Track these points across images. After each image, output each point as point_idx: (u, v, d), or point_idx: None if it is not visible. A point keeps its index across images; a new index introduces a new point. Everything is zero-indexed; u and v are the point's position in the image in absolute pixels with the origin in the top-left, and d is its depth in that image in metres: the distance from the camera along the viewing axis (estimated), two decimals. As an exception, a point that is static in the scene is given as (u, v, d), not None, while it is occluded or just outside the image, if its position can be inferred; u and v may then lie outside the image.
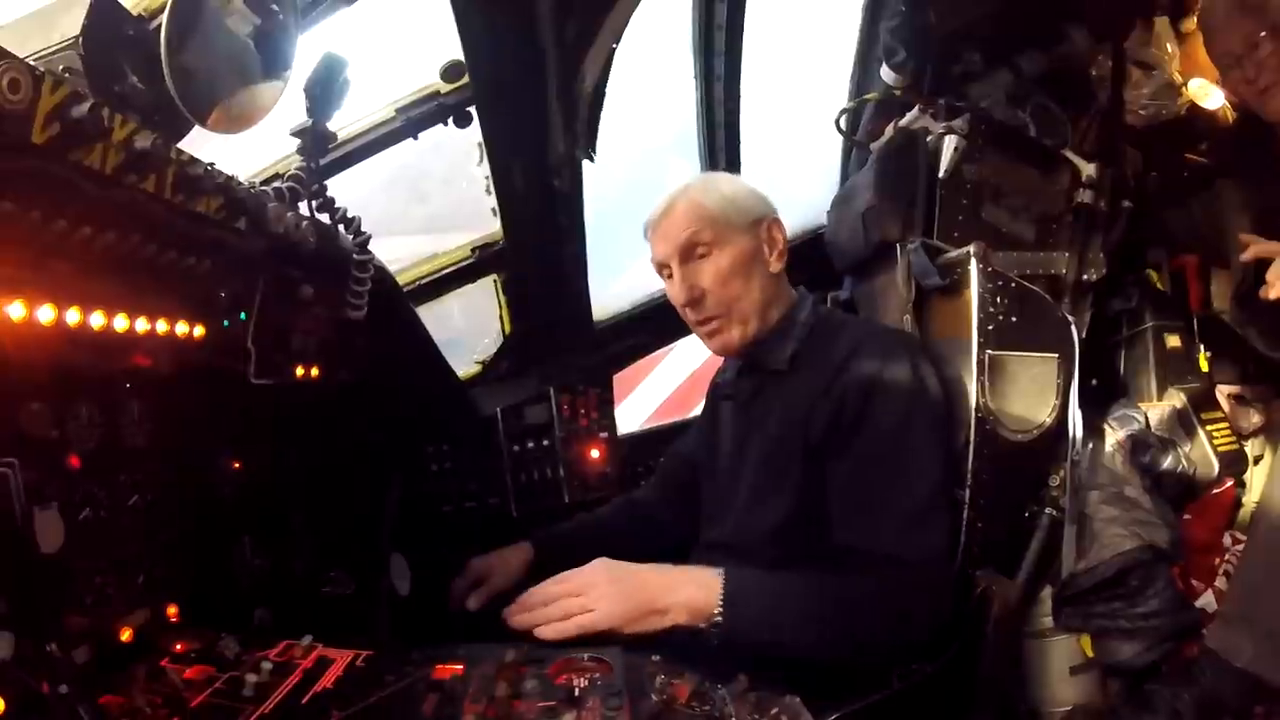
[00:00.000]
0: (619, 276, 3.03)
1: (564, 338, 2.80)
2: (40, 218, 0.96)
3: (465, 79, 2.25)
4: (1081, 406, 2.03)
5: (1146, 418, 2.43)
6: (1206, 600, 2.30)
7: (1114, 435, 2.27)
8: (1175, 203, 2.68)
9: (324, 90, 1.55)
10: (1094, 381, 2.49)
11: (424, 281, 2.69)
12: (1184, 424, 2.52)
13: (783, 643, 1.47)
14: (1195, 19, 2.53)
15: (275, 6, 1.37)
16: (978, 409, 1.89)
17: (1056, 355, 2.02)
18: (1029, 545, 2.05)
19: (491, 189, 2.45)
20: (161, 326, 1.27)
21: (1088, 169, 2.33)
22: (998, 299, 1.96)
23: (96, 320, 1.13)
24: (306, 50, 1.49)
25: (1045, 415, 2.00)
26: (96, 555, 1.24)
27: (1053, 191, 2.34)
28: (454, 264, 2.70)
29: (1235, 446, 2.56)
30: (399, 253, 2.70)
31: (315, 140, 1.59)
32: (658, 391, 5.32)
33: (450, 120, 2.34)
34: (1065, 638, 2.08)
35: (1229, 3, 2.18)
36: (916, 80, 2.44)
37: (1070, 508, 2.03)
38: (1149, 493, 2.15)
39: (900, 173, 2.23)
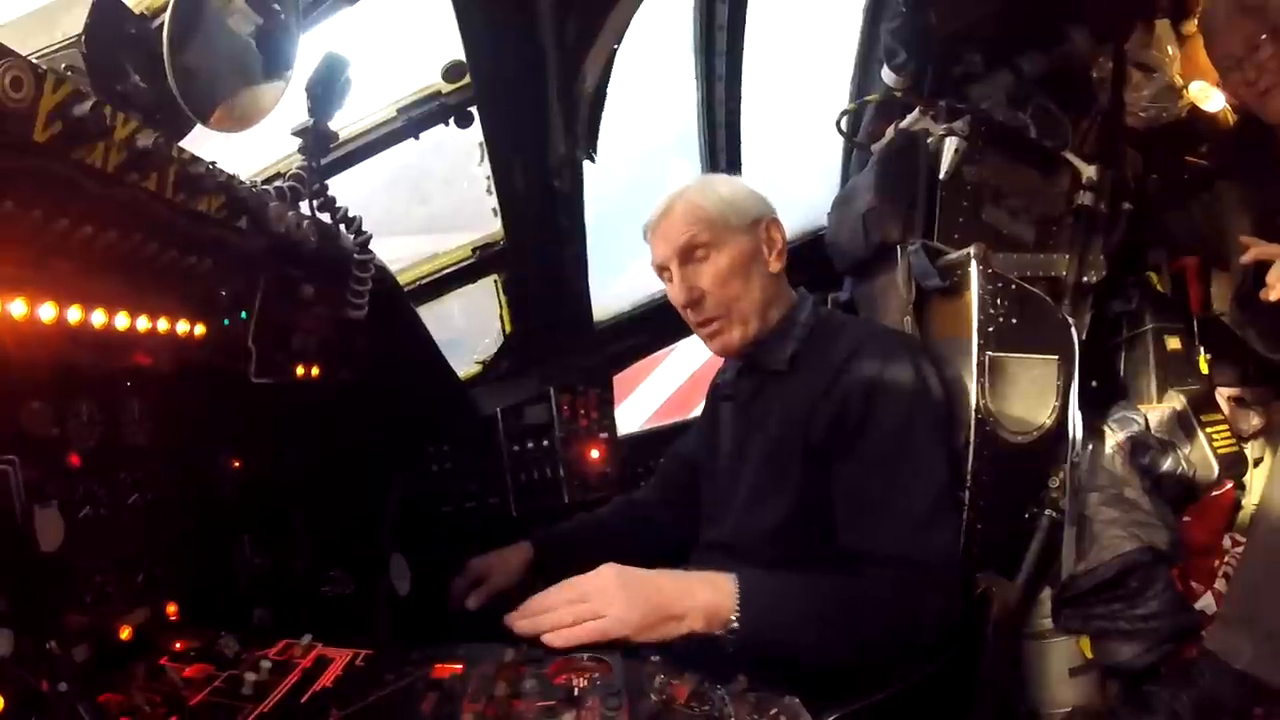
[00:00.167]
0: (619, 277, 3.03)
1: (564, 338, 2.81)
2: (42, 216, 0.96)
3: (466, 79, 2.26)
4: (1081, 408, 2.04)
5: (1146, 420, 2.43)
6: (1206, 602, 2.30)
7: (1114, 437, 2.27)
8: (1175, 205, 2.68)
9: (325, 90, 1.55)
10: (1094, 383, 2.49)
11: (425, 281, 2.69)
12: (1184, 426, 2.52)
13: (799, 645, 1.46)
14: (1196, 21, 2.53)
15: (277, 6, 1.37)
16: (978, 410, 1.89)
17: (1056, 357, 2.02)
18: (1029, 547, 2.05)
19: (492, 189, 2.45)
20: (162, 325, 1.27)
21: (1088, 171, 2.33)
22: (998, 300, 1.96)
23: (97, 319, 1.13)
24: (308, 50, 1.49)
25: (1045, 417, 2.00)
26: (96, 553, 1.23)
27: (1053, 193, 2.34)
28: (455, 264, 2.70)
29: (1235, 448, 2.57)
30: (400, 252, 2.70)
31: (316, 140, 1.59)
32: (658, 392, 5.32)
33: (451, 120, 2.34)
34: (1065, 639, 2.09)
35: (1229, 5, 2.18)
36: (917, 82, 2.45)
37: (1070, 509, 2.03)
38: (1149, 494, 2.15)
39: (901, 174, 2.23)
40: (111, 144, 0.98)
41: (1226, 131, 2.76)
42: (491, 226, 2.63)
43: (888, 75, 2.48)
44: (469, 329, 2.91)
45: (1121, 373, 2.70)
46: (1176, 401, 2.57)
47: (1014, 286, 2.00)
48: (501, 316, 2.81)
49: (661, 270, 1.85)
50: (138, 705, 1.11)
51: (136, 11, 1.34)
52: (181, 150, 1.12)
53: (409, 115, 2.32)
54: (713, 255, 1.78)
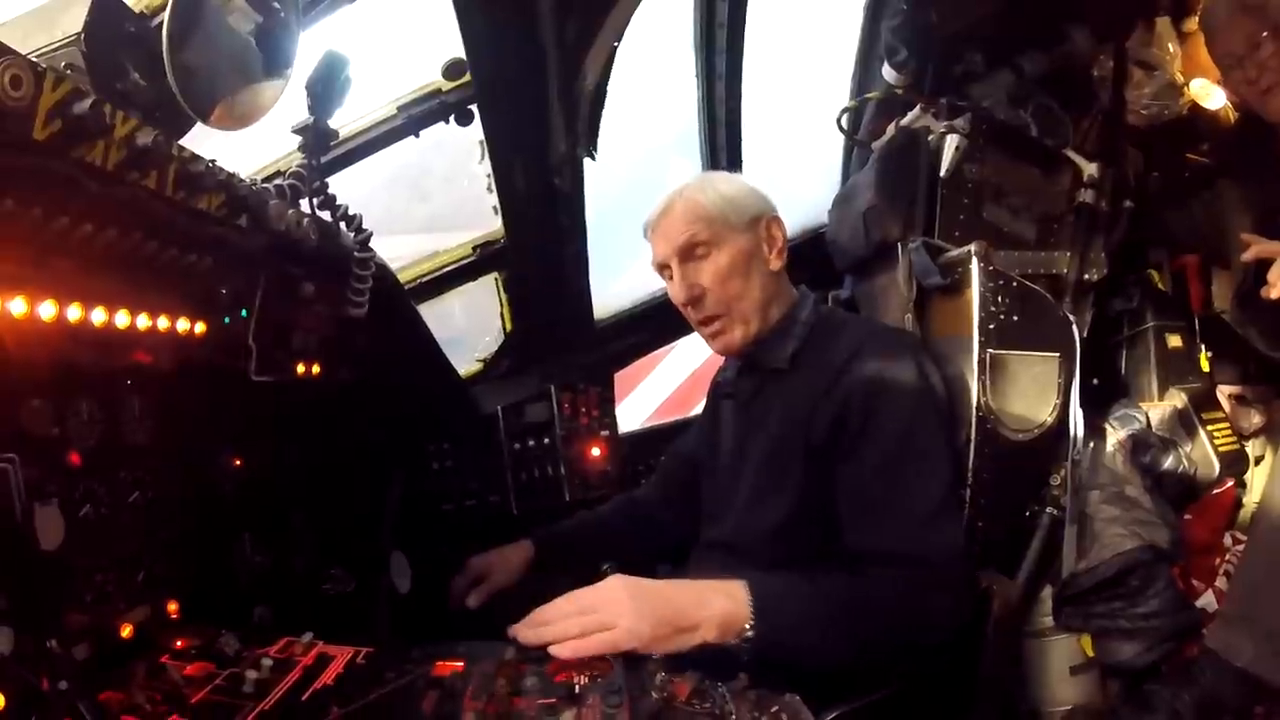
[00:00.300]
0: (620, 275, 3.03)
1: (565, 336, 2.81)
2: (42, 214, 0.96)
3: (467, 77, 2.26)
4: (1082, 406, 2.04)
5: (1147, 417, 2.42)
6: (1207, 600, 2.30)
7: (1115, 435, 2.27)
8: (1176, 203, 2.68)
9: (325, 88, 1.55)
10: (1095, 381, 2.49)
11: (425, 279, 2.69)
12: (1185, 424, 2.52)
13: (814, 650, 1.44)
14: (1197, 19, 2.53)
15: (277, 4, 1.37)
16: (978, 408, 1.89)
17: (1057, 355, 2.02)
18: (1029, 545, 2.05)
19: (493, 187, 2.45)
20: (162, 323, 1.27)
21: (1089, 169, 2.33)
22: (999, 298, 1.96)
23: (98, 317, 1.14)
24: (308, 48, 1.49)
25: (1046, 415, 2.00)
26: (97, 552, 1.24)
27: (1054, 191, 2.34)
28: (455, 262, 2.71)
29: (1236, 447, 2.57)
30: (400, 251, 2.70)
31: (317, 138, 1.59)
32: (659, 390, 5.32)
33: (452, 118, 2.34)
34: (1065, 637, 2.09)
35: (1230, 3, 2.18)
36: (918, 79, 2.44)
37: (1071, 507, 2.03)
38: (1150, 493, 2.15)
39: (901, 172, 2.23)
40: (111, 142, 0.99)
41: (1228, 129, 2.76)
42: (492, 225, 2.63)
43: (888, 73, 2.47)
44: (470, 327, 2.92)
45: (1122, 371, 2.70)
46: (1178, 400, 2.57)
47: (1015, 284, 1.99)
48: (502, 315, 2.82)
49: (662, 268, 1.85)
50: (138, 704, 1.11)
51: (136, 10, 1.34)
52: (181, 148, 1.12)
53: (409, 113, 2.32)
54: (713, 253, 1.77)
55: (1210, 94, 2.72)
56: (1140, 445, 2.30)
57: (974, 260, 1.96)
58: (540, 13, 2.01)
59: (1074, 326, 2.04)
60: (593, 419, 2.69)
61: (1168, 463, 2.34)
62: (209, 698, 1.14)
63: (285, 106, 1.45)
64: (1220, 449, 2.50)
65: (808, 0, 3.47)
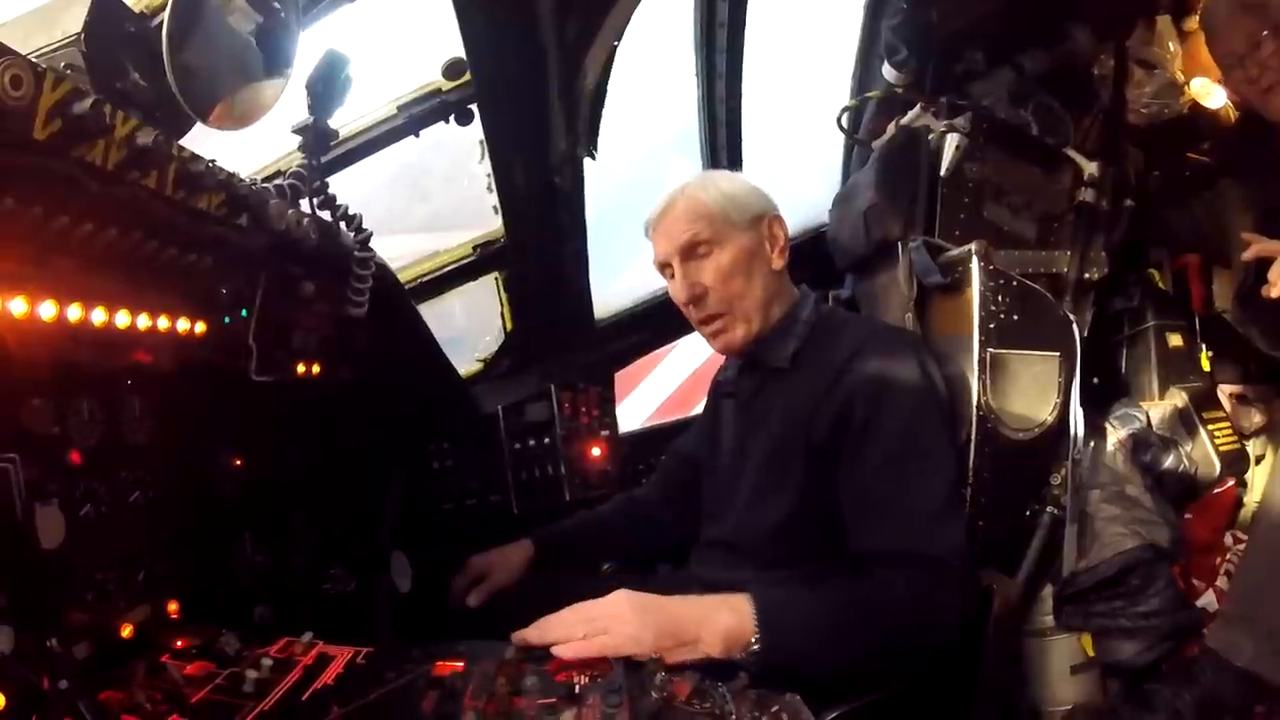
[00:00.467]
0: (620, 274, 3.03)
1: (565, 335, 2.81)
2: (42, 214, 0.96)
3: (467, 76, 2.26)
4: (1083, 405, 2.04)
5: (1148, 417, 2.43)
6: (1207, 600, 2.31)
7: (1115, 434, 2.27)
8: (1177, 202, 2.68)
9: (326, 87, 1.55)
10: (1095, 380, 2.49)
11: (425, 279, 2.69)
12: (1185, 423, 2.52)
13: (821, 659, 1.43)
14: (1197, 18, 2.53)
15: (277, 4, 1.37)
16: (979, 407, 1.90)
17: (1058, 354, 2.02)
18: (1030, 544, 2.05)
19: (493, 187, 2.45)
20: (163, 323, 1.27)
21: (1090, 168, 2.33)
22: (999, 297, 1.96)
23: (98, 317, 1.14)
24: (308, 47, 1.49)
25: (1046, 414, 2.00)
26: (97, 551, 1.24)
27: (1054, 190, 2.34)
28: (455, 262, 2.71)
29: (1237, 446, 2.57)
30: (400, 250, 2.70)
31: (317, 137, 1.59)
32: (659, 390, 5.31)
33: (452, 118, 2.34)
34: (1066, 636, 2.09)
35: (1231, 2, 2.18)
36: (918, 78, 2.44)
37: (1071, 506, 2.03)
38: (1150, 492, 2.15)
39: (902, 171, 2.23)
40: (111, 142, 0.99)
41: (1228, 128, 2.75)
42: (492, 224, 2.63)
43: (889, 72, 2.47)
44: (470, 327, 2.92)
45: (1123, 370, 2.70)
46: (1178, 399, 2.57)
47: (1015, 283, 2.00)
48: (502, 314, 2.81)
49: (663, 267, 1.84)
50: (139, 703, 1.11)
51: (136, 10, 1.34)
52: (181, 148, 1.13)
53: (409, 113, 2.32)
54: (715, 252, 1.77)
55: (1211, 93, 2.72)
56: (1141, 444, 2.30)
57: (974, 259, 1.96)
58: (540, 12, 2.01)
59: (1074, 326, 2.04)
60: (593, 418, 2.70)
61: (1168, 462, 2.34)
62: (209, 697, 1.14)
63: (285, 106, 1.45)
64: (1221, 448, 2.51)
65: (808, 0, 3.47)
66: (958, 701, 1.67)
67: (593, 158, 2.40)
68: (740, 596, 1.42)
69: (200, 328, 1.36)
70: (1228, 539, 2.42)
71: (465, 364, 2.79)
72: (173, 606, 1.39)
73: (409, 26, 2.59)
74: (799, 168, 3.32)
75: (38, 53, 1.19)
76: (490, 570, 1.98)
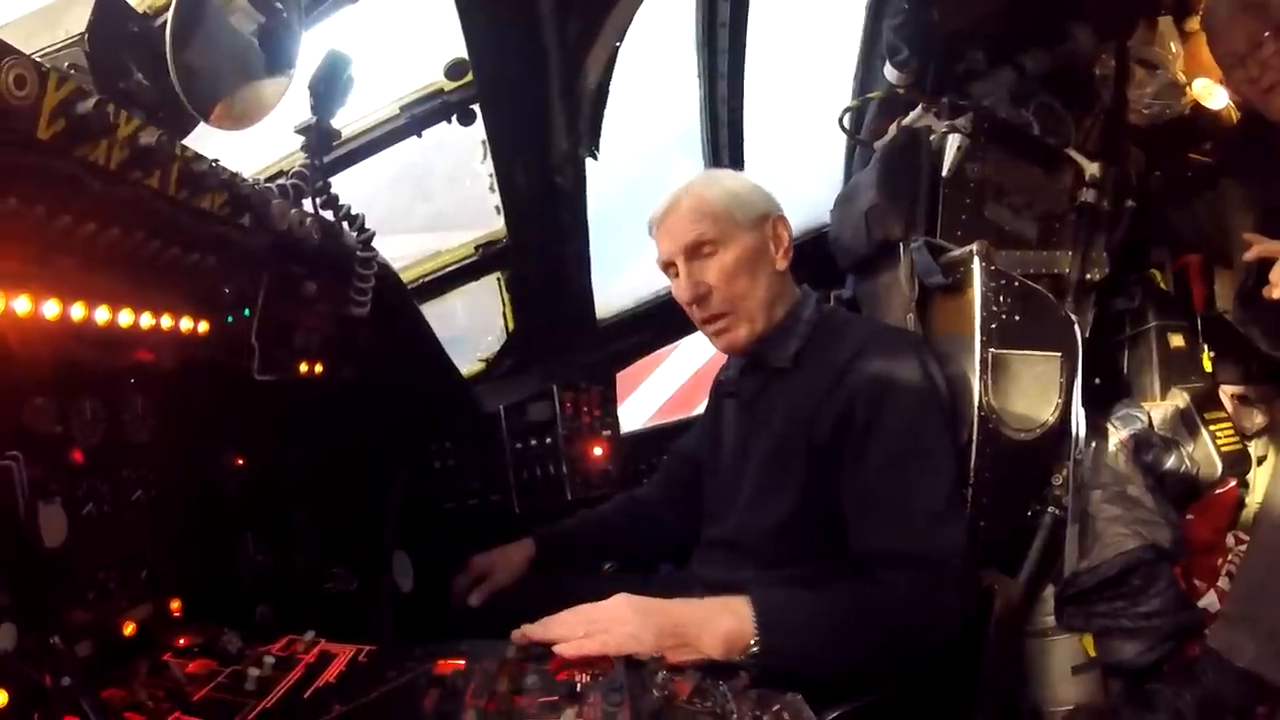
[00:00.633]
0: (622, 274, 3.03)
1: (567, 335, 2.81)
2: (45, 213, 0.97)
3: (469, 76, 2.26)
4: (1084, 405, 2.04)
5: (1149, 417, 2.42)
6: (1209, 600, 2.30)
7: (1117, 434, 2.27)
8: (1179, 202, 2.68)
9: (328, 87, 1.55)
10: (1097, 380, 2.49)
11: (428, 279, 2.69)
12: (1187, 424, 2.52)
13: (821, 661, 1.42)
14: (1199, 18, 2.53)
15: (279, 4, 1.38)
16: (980, 407, 1.89)
17: (1059, 354, 2.02)
18: (1031, 544, 2.05)
19: (495, 186, 2.45)
20: (165, 322, 1.28)
21: (1091, 168, 2.33)
22: (1001, 298, 1.96)
23: (101, 315, 1.14)
24: (311, 47, 1.49)
25: (1048, 414, 2.00)
26: (100, 550, 1.24)
27: (1056, 190, 2.34)
28: (457, 262, 2.71)
29: (1238, 446, 2.57)
30: (403, 250, 2.70)
31: (319, 137, 1.59)
32: (661, 390, 5.32)
33: (454, 118, 2.34)
34: (1067, 637, 2.08)
35: (1232, 2, 2.18)
36: (920, 79, 2.44)
37: (1073, 507, 2.03)
38: (1152, 492, 2.15)
39: (903, 171, 2.23)
40: (114, 141, 0.99)
41: (1230, 129, 2.75)
42: (494, 224, 2.63)
43: (890, 72, 2.47)
44: (472, 326, 2.92)
45: (1124, 370, 2.70)
46: (1180, 399, 2.57)
47: (1017, 284, 1.99)
48: (504, 314, 2.82)
49: (667, 266, 1.84)
50: (141, 701, 1.11)
51: (139, 10, 1.35)
52: (184, 148, 1.13)
53: (412, 113, 2.32)
54: (720, 251, 1.76)
55: (1212, 93, 2.72)
56: (1142, 445, 2.30)
57: (976, 259, 1.96)
58: (542, 12, 2.01)
59: (1076, 326, 2.04)
60: (595, 418, 2.70)
61: (1170, 462, 2.34)
62: (211, 695, 1.15)
63: (288, 106, 1.45)
64: (1222, 449, 2.50)
65: (810, 0, 3.47)
66: (959, 701, 1.67)
67: (595, 158, 2.40)
68: (740, 599, 1.42)
69: (203, 327, 1.36)
70: (1229, 539, 2.42)
71: (467, 364, 2.80)
72: (175, 605, 1.39)
73: (411, 27, 2.60)
74: (801, 168, 3.32)
75: (41, 53, 1.20)
76: (492, 570, 1.99)
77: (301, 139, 1.60)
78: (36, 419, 1.12)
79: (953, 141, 2.18)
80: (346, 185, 1.86)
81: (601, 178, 2.50)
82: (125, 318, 1.19)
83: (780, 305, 1.82)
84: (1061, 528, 2.03)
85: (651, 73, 2.92)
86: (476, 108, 2.30)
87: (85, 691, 1.03)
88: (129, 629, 1.27)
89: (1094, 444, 2.16)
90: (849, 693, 1.49)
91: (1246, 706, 1.93)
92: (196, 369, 1.41)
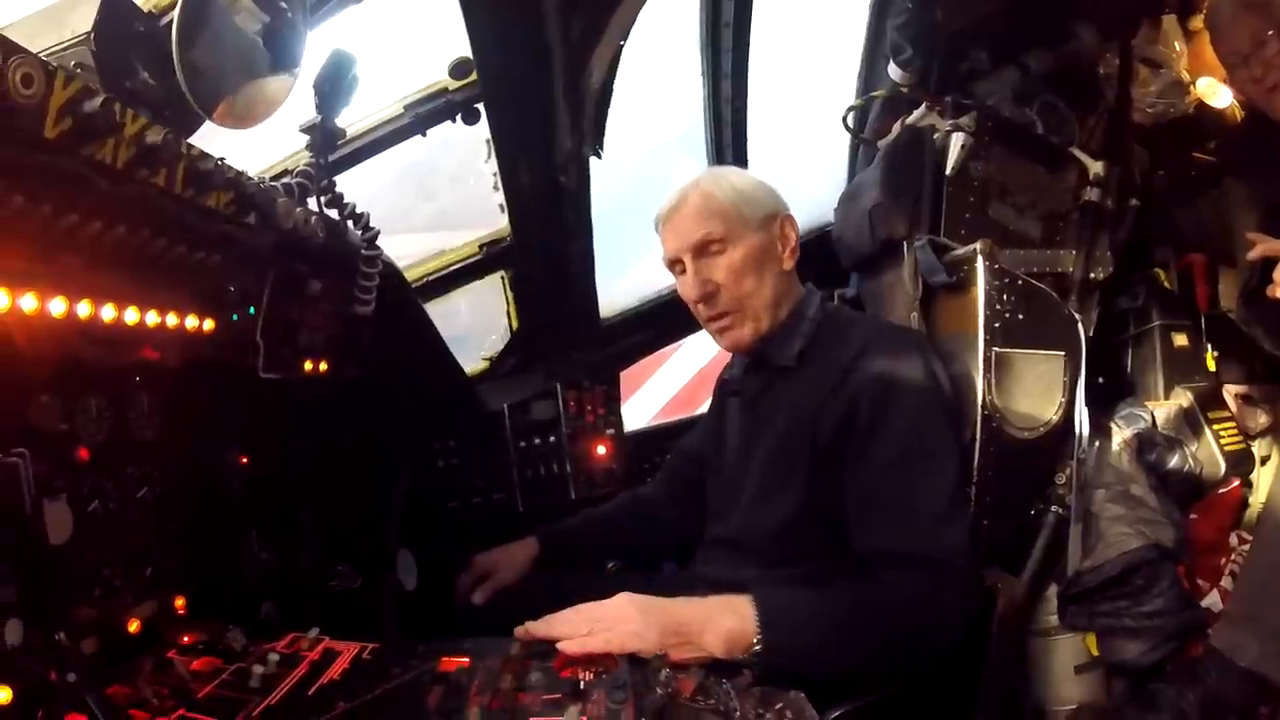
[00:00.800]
0: (626, 273, 3.03)
1: (571, 334, 2.81)
2: (52, 212, 0.97)
3: (473, 76, 2.26)
4: (1088, 405, 2.03)
5: (1153, 416, 2.42)
6: (1212, 600, 2.30)
7: (1120, 434, 2.26)
8: (1183, 201, 2.68)
9: (333, 87, 1.56)
10: (1100, 380, 2.49)
11: (432, 278, 2.70)
12: (1190, 423, 2.52)
13: (824, 660, 1.43)
14: (1202, 17, 2.52)
15: (284, 3, 1.38)
16: (984, 406, 1.89)
17: (1063, 353, 2.02)
18: (1034, 543, 2.04)
19: (499, 185, 2.46)
20: (171, 320, 1.28)
21: (1095, 167, 2.33)
22: (1004, 296, 1.96)
23: (107, 313, 1.15)
24: (315, 47, 1.50)
25: (1051, 413, 2.00)
26: (105, 547, 1.24)
27: (1060, 189, 2.34)
28: (461, 260, 2.71)
29: (1242, 446, 2.56)
30: (407, 249, 2.71)
31: (324, 136, 1.60)
32: (664, 388, 5.32)
33: (458, 117, 2.34)
34: (1070, 636, 2.08)
35: (1235, 1, 2.17)
36: (923, 78, 2.44)
37: (1076, 506, 2.03)
38: (1155, 491, 2.15)
39: (907, 170, 2.23)
40: (121, 140, 0.99)
41: (1234, 128, 2.75)
42: (498, 223, 2.63)
43: (894, 71, 2.47)
44: (476, 325, 2.92)
45: (1128, 369, 2.70)
46: (1183, 398, 2.56)
47: (1020, 282, 1.99)
48: (508, 313, 2.82)
49: (673, 263, 1.83)
50: (146, 698, 1.12)
51: (145, 9, 1.35)
52: (190, 146, 1.13)
53: (416, 112, 2.33)
54: (728, 250, 1.75)
55: (1216, 92, 2.71)
56: (1146, 444, 2.30)
57: (979, 258, 1.96)
58: (546, 11, 2.01)
59: (1079, 325, 2.04)
60: (598, 417, 2.70)
61: (1173, 462, 2.34)
62: (216, 692, 1.15)
63: (293, 105, 1.46)
64: (1226, 448, 2.50)
65: (813, 0, 3.47)
66: (962, 700, 1.67)
67: (598, 156, 2.40)
68: (742, 598, 1.42)
69: (208, 325, 1.37)
70: (1232, 539, 2.42)
71: (471, 362, 2.80)
72: (180, 602, 1.39)
73: (415, 26, 2.60)
74: (804, 167, 3.32)
75: (47, 52, 1.20)
76: (495, 568, 1.99)
77: (306, 138, 1.60)
78: (42, 416, 1.12)
79: (956, 140, 2.18)
80: (351, 184, 1.87)
81: (604, 177, 2.50)
82: (131, 315, 1.19)
83: (785, 304, 1.82)
84: (1064, 527, 2.03)
85: (654, 71, 2.92)
86: (481, 107, 2.30)
87: (90, 688, 1.04)
88: (134, 626, 1.28)
89: (1097, 443, 2.16)
90: (851, 691, 1.49)
91: (1249, 706, 1.93)
92: (201, 367, 1.42)
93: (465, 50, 2.20)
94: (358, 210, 1.66)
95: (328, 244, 1.53)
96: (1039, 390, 1.99)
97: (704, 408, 2.32)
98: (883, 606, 1.48)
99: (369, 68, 1.59)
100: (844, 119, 2.66)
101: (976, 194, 2.22)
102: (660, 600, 1.41)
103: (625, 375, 2.91)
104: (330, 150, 1.64)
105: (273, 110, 1.41)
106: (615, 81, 2.27)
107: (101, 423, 1.24)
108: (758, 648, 1.37)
